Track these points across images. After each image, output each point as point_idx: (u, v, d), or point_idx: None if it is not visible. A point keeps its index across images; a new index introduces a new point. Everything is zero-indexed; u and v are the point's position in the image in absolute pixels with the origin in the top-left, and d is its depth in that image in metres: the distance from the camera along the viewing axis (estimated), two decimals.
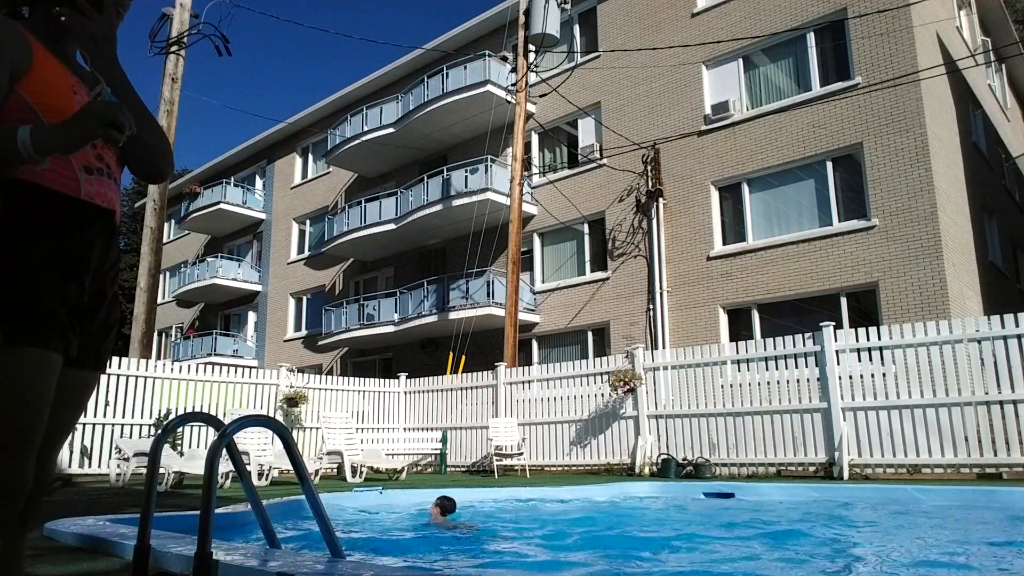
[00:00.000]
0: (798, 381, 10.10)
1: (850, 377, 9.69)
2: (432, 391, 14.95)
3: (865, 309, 13.57)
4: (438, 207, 19.31)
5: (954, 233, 13.49)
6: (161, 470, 7.68)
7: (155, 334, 16.18)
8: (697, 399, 11.03)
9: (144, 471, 6.32)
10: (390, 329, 20.49)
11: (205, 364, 12.86)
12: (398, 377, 15.50)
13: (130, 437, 10.75)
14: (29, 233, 1.50)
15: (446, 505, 6.05)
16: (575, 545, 5.27)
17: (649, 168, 16.95)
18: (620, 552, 4.90)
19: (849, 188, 14.15)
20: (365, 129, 21.96)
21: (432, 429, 14.34)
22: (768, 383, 10.37)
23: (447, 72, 19.89)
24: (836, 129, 14.26)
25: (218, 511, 3.75)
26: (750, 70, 16.15)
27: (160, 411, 11.39)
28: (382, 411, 15.02)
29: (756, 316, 14.95)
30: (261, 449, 10.00)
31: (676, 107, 16.92)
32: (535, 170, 19.76)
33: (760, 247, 14.97)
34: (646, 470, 11.08)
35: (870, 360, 9.65)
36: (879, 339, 9.57)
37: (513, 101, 17.29)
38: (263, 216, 29.01)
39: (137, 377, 11.33)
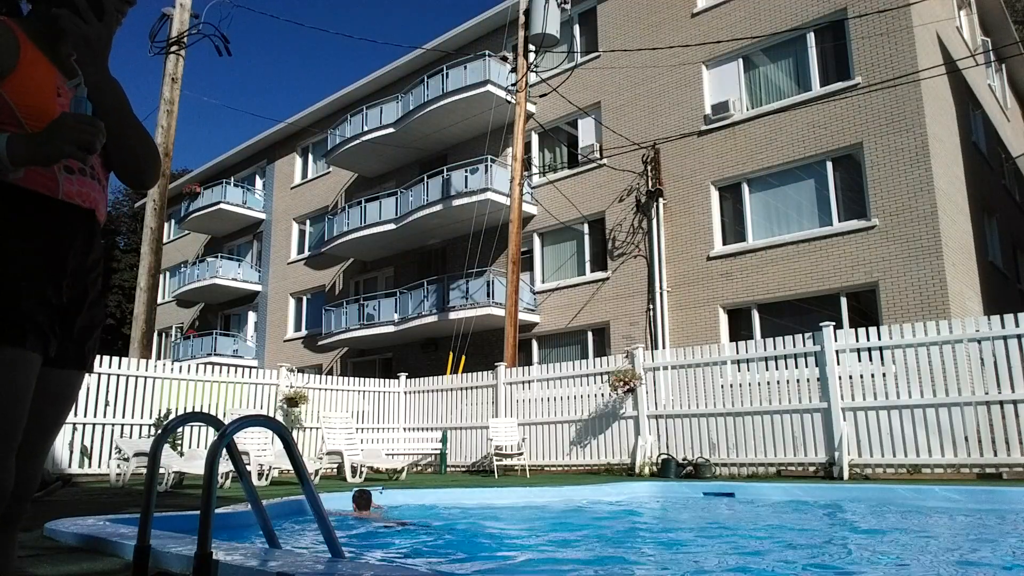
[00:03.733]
0: (798, 381, 10.10)
1: (850, 377, 9.68)
2: (432, 391, 14.95)
3: (865, 309, 13.56)
4: (438, 207, 19.31)
5: (954, 233, 13.49)
6: (161, 470, 7.68)
7: (155, 334, 16.18)
8: (697, 399, 11.03)
9: (144, 471, 6.32)
10: (390, 329, 20.48)
11: (205, 364, 12.85)
12: (398, 377, 15.50)
13: (130, 437, 10.75)
14: (4, 233, 1.50)
15: (360, 500, 6.23)
16: (574, 546, 5.27)
17: (649, 168, 16.95)
18: (619, 552, 4.90)
19: (849, 188, 14.15)
20: (365, 129, 21.96)
21: (432, 429, 14.34)
22: (768, 383, 10.37)
23: (447, 72, 19.89)
24: (836, 129, 14.25)
25: (218, 511, 3.75)
26: (750, 70, 16.15)
27: (160, 411, 11.39)
28: (382, 411, 15.01)
29: (756, 316, 14.95)
30: (261, 449, 9.99)
31: (676, 107, 16.92)
32: (535, 170, 19.76)
33: (760, 247, 14.97)
34: (646, 470, 11.08)
35: (870, 360, 9.65)
36: (879, 339, 9.56)
37: (513, 101, 17.29)
38: (263, 216, 29.01)
39: (137, 377, 11.33)
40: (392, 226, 20.80)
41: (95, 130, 1.48)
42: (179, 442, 11.19)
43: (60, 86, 1.61)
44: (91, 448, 10.67)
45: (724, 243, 15.76)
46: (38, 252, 1.53)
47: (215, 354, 26.51)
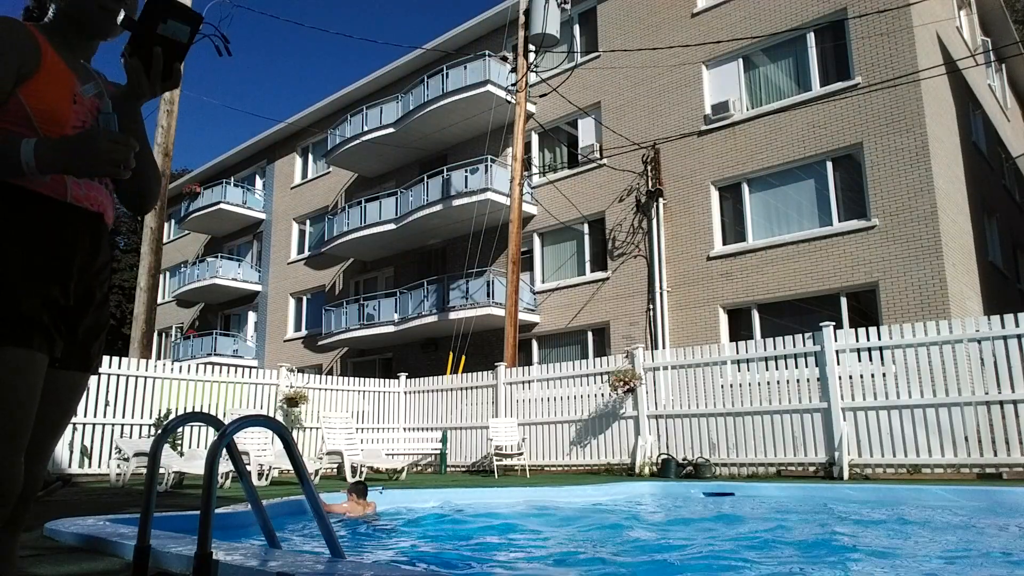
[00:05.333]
0: (798, 381, 10.10)
1: (850, 377, 9.68)
2: (432, 391, 14.95)
3: (865, 309, 13.56)
4: (438, 207, 19.31)
5: (954, 233, 13.49)
6: (161, 470, 7.68)
7: (155, 334, 16.18)
8: (697, 399, 11.03)
9: (144, 471, 6.32)
10: (390, 329, 20.48)
11: (205, 364, 12.85)
12: (398, 377, 15.50)
13: (130, 437, 10.75)
14: (11, 235, 1.50)
15: (357, 489, 6.57)
16: (573, 546, 5.27)
17: (649, 168, 16.95)
18: (619, 552, 4.90)
19: (849, 188, 14.15)
20: (365, 129, 21.96)
21: (432, 429, 14.34)
22: (768, 383, 10.37)
23: (447, 72, 19.89)
24: (836, 129, 14.25)
25: (218, 511, 3.75)
26: (750, 70, 16.14)
27: (160, 411, 11.39)
28: (382, 411, 15.01)
29: (756, 316, 14.94)
30: (261, 449, 9.99)
31: (676, 107, 16.92)
32: (535, 170, 19.76)
33: (760, 247, 14.97)
34: (646, 470, 11.08)
35: (870, 360, 9.65)
36: (879, 339, 9.56)
37: (513, 101, 17.28)
38: (263, 216, 29.01)
39: (137, 377, 11.33)
40: (392, 226, 20.80)
41: (129, 148, 1.49)
42: (179, 442, 11.19)
43: (77, 93, 1.62)
44: (91, 448, 10.67)
45: (724, 243, 15.76)
46: (45, 253, 1.54)
47: (215, 354, 26.51)
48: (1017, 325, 8.63)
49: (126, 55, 1.57)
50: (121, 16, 1.65)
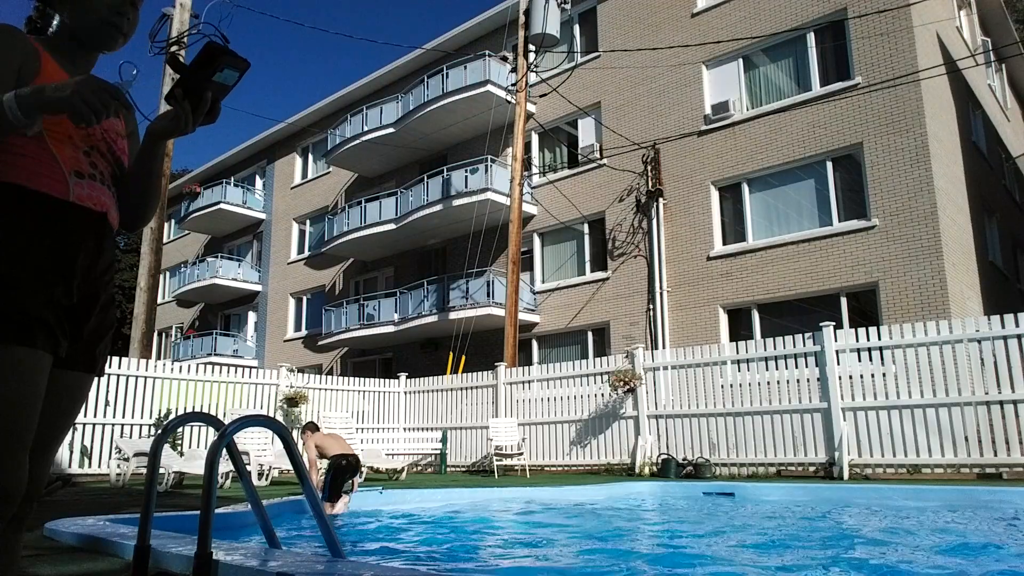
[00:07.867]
0: (798, 381, 10.10)
1: (850, 377, 9.69)
2: (432, 391, 14.95)
3: (865, 309, 13.56)
4: (438, 207, 19.31)
5: (954, 233, 13.49)
6: (161, 470, 7.69)
7: (155, 334, 16.18)
8: (697, 399, 11.04)
9: (144, 471, 6.33)
10: (390, 329, 20.48)
11: (205, 364, 12.85)
12: (398, 377, 15.50)
13: (130, 437, 10.76)
14: (14, 234, 1.50)
15: (310, 425, 7.02)
16: (573, 546, 5.27)
17: (649, 168, 16.95)
18: (619, 552, 4.90)
19: (849, 188, 14.15)
20: (365, 129, 21.95)
21: (432, 429, 14.34)
22: (768, 383, 10.37)
23: (447, 72, 19.89)
24: (836, 129, 14.25)
25: (218, 511, 3.76)
26: (750, 70, 16.14)
27: (160, 411, 11.39)
28: (382, 411, 15.02)
29: (756, 316, 14.94)
30: (261, 449, 10.00)
31: (676, 107, 16.92)
32: (535, 170, 19.76)
33: (760, 247, 14.96)
34: (646, 470, 11.08)
35: (870, 360, 9.65)
36: (879, 339, 9.57)
37: (513, 101, 17.29)
38: (263, 216, 29.01)
39: (137, 377, 11.33)
40: (392, 226, 20.80)
41: (109, 103, 1.42)
42: (179, 442, 11.19)
43: None
44: (91, 448, 10.68)
45: (724, 243, 15.76)
46: (48, 253, 1.54)
47: (215, 354, 26.50)
48: (1017, 325, 8.64)
49: (178, 98, 1.57)
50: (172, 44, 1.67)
